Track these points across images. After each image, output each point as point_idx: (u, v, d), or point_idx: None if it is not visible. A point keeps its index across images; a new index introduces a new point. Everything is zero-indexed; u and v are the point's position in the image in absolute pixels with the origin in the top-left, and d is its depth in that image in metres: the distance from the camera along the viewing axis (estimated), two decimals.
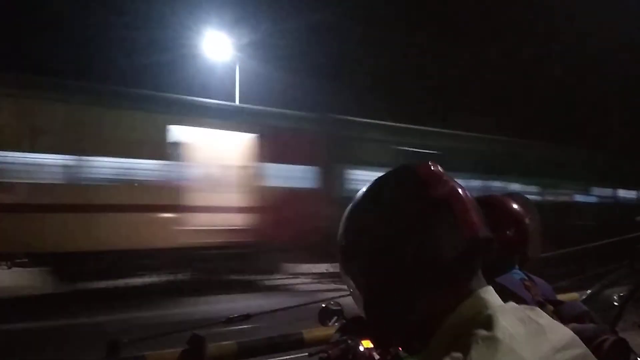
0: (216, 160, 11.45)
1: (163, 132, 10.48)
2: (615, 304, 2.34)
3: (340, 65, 22.73)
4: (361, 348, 1.56)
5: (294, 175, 11.97)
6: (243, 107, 14.17)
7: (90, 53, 23.13)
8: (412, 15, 22.87)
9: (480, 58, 23.06)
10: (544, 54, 22.95)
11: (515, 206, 1.62)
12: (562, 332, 0.79)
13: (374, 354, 1.56)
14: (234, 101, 17.18)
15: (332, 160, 12.44)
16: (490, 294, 0.83)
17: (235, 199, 11.37)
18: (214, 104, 12.47)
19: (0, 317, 7.15)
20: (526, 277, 1.58)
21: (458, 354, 0.72)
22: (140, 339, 1.67)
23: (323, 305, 1.78)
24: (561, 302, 1.57)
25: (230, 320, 1.79)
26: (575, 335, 0.80)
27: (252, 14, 27.76)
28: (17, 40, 22.47)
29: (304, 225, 11.07)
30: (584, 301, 2.22)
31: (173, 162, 10.57)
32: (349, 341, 1.58)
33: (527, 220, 1.61)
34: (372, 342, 1.58)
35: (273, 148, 11.37)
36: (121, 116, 10.17)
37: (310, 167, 12.27)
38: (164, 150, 10.49)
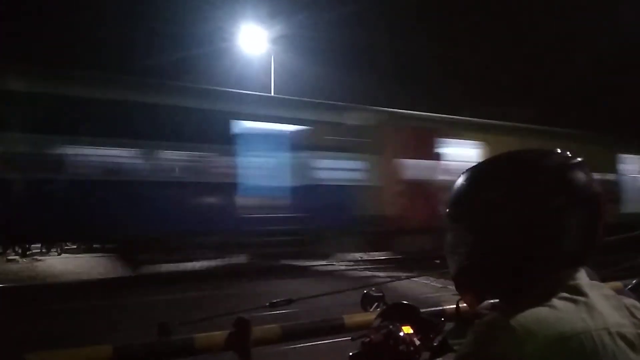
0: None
1: None
2: None
3: (374, 57, 22.50)
4: (402, 334, 1.58)
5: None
6: None
7: (127, 47, 23.62)
8: (450, 5, 22.36)
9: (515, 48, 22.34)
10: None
11: None
12: None
13: (415, 339, 1.57)
14: (270, 92, 17.27)
15: None
16: (580, 273, 0.88)
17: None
18: None
19: (53, 299, 7.48)
20: None
21: (544, 307, 0.79)
22: (190, 322, 1.74)
23: (365, 291, 1.81)
24: None
25: (273, 305, 1.84)
26: None
27: (286, 7, 27.78)
28: (53, 33, 23.06)
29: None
30: (630, 290, 2.18)
31: None
32: (390, 327, 1.60)
33: None
34: (413, 328, 1.60)
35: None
36: None
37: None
38: None
